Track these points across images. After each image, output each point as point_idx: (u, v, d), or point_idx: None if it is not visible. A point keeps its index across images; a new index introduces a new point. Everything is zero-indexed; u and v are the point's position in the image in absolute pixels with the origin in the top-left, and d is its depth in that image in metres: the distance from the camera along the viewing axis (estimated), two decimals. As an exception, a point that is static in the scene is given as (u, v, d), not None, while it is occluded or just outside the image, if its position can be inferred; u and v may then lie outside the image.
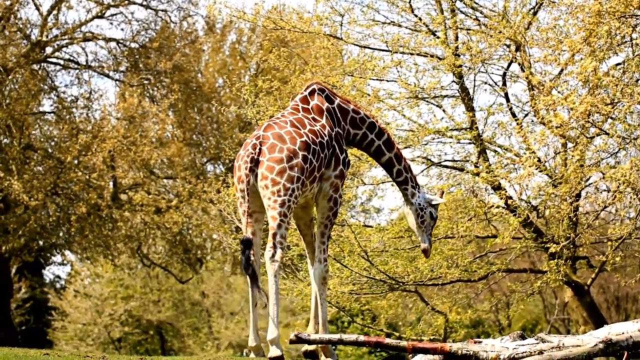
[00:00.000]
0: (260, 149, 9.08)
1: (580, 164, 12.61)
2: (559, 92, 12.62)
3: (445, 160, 14.94)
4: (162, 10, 25.86)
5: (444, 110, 14.90)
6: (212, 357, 10.61)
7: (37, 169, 24.57)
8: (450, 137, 14.67)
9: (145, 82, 26.13)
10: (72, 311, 39.49)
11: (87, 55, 25.33)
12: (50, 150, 24.84)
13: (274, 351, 8.78)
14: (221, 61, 29.09)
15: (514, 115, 14.51)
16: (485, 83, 14.69)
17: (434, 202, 10.18)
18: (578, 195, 13.51)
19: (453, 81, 14.57)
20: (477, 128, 14.46)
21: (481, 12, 14.65)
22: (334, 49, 15.42)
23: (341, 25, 15.09)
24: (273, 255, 8.93)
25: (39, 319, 40.07)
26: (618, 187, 12.02)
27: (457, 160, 14.96)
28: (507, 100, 14.62)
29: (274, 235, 8.94)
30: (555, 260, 13.90)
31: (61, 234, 25.89)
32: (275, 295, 8.88)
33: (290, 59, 16.83)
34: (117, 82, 26.42)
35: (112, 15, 25.34)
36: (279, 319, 8.98)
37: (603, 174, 12.62)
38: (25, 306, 37.99)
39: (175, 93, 24.98)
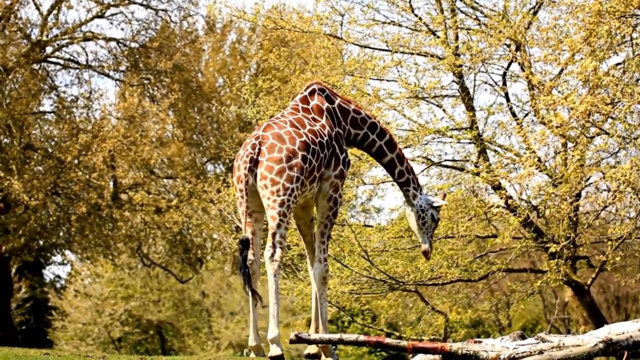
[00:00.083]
0: (259, 149, 9.09)
1: (580, 164, 12.61)
2: (559, 91, 12.62)
3: (446, 160, 14.94)
4: (162, 10, 25.87)
5: (444, 110, 14.90)
6: (212, 357, 10.61)
7: (37, 169, 24.58)
8: (451, 136, 14.66)
9: (146, 81, 26.13)
10: (72, 311, 39.50)
11: (87, 54, 25.38)
12: (50, 150, 24.85)
13: (274, 350, 8.78)
14: (221, 61, 29.09)
15: (514, 115, 14.51)
16: (486, 83, 14.69)
17: (435, 204, 10.16)
18: (578, 195, 13.51)
19: (453, 81, 14.57)
20: (477, 128, 14.46)
21: (481, 12, 14.65)
22: (334, 49, 15.42)
23: (341, 24, 15.09)
24: (272, 255, 8.94)
25: (39, 319, 40.06)
26: (618, 186, 12.02)
27: (457, 160, 14.96)
28: (507, 100, 14.62)
29: (274, 234, 8.95)
30: (556, 260, 13.90)
31: (61, 234, 25.89)
32: (275, 294, 8.88)
33: (291, 58, 16.83)
34: (117, 82, 26.43)
35: (112, 14, 25.36)
36: (279, 318, 8.98)
37: (603, 173, 12.62)
38: (25, 306, 37.99)
39: (175, 93, 24.98)
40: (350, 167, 13.09)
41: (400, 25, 14.92)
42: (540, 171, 13.69)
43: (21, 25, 24.34)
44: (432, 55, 14.40)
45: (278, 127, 9.26)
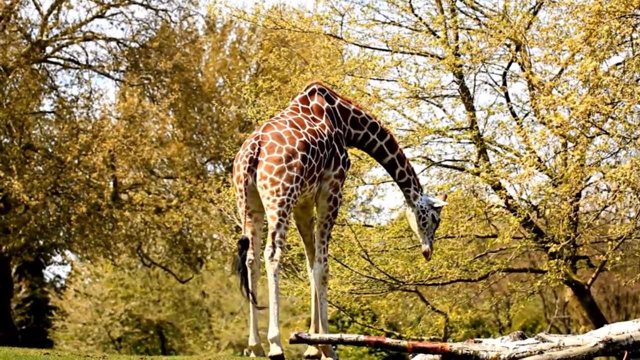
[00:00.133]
0: (259, 149, 9.09)
1: (580, 164, 12.61)
2: (559, 91, 12.62)
3: (446, 160, 14.94)
4: (163, 10, 25.88)
5: (444, 110, 14.90)
6: (212, 357, 10.61)
7: (37, 169, 24.58)
8: (451, 136, 14.66)
9: (146, 81, 26.14)
10: (73, 311, 39.50)
11: (87, 54, 25.38)
12: (50, 149, 24.85)
13: (274, 350, 8.79)
14: (221, 61, 29.10)
15: (514, 114, 14.51)
16: (486, 83, 14.69)
17: (436, 205, 10.15)
18: (578, 195, 13.51)
19: (453, 81, 14.57)
20: (477, 128, 14.46)
21: (481, 12, 14.65)
22: (334, 49, 15.42)
23: (341, 24, 15.09)
24: (272, 255, 8.95)
25: (39, 319, 40.06)
26: (618, 186, 12.02)
27: (457, 160, 14.96)
28: (508, 99, 14.62)
29: (273, 234, 8.95)
30: (556, 260, 13.90)
31: (61, 234, 25.89)
32: (275, 294, 8.89)
33: (291, 58, 16.84)
34: (117, 82, 26.44)
35: (113, 14, 25.37)
36: (279, 318, 8.98)
37: (603, 173, 12.62)
38: (25, 306, 37.99)
39: (175, 93, 24.99)
40: (351, 167, 13.09)
41: (400, 25, 14.93)
42: (541, 171, 13.69)
43: (21, 25, 24.34)
44: (432, 55, 14.40)
45: (278, 127, 9.27)
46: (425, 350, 8.24)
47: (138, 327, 41.68)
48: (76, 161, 24.12)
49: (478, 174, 14.12)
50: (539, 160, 13.38)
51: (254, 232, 9.24)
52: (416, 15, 14.73)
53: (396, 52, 14.63)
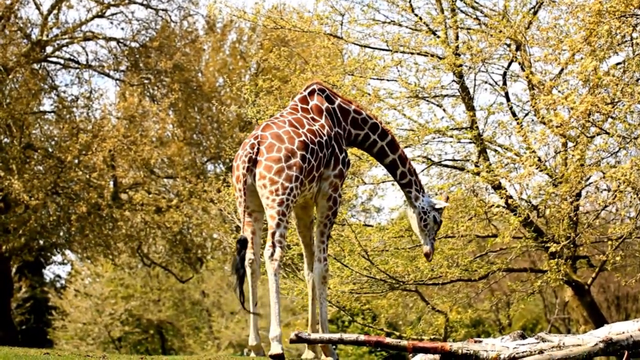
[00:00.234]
0: (258, 149, 9.10)
1: (580, 164, 12.61)
2: (559, 91, 12.62)
3: (446, 160, 14.93)
4: (163, 10, 25.89)
5: (444, 110, 14.89)
6: (212, 357, 10.61)
7: (37, 169, 24.58)
8: (451, 136, 14.66)
9: (146, 81, 26.14)
10: (73, 310, 39.50)
11: (87, 54, 25.39)
12: (50, 149, 24.85)
13: (275, 348, 8.78)
14: (221, 60, 29.09)
15: (514, 114, 14.51)
16: (486, 82, 14.69)
17: (437, 206, 10.14)
18: (578, 195, 13.50)
19: (453, 80, 14.57)
20: (477, 127, 14.46)
21: (481, 12, 14.65)
22: (335, 49, 15.42)
23: (341, 24, 15.09)
24: (272, 254, 8.95)
25: (40, 319, 40.06)
26: (618, 186, 12.02)
27: (457, 160, 14.95)
28: (508, 99, 14.62)
29: (273, 234, 8.96)
30: (556, 260, 13.90)
31: (61, 234, 25.89)
32: (276, 293, 8.89)
33: (291, 58, 16.83)
34: (118, 82, 26.44)
35: (113, 14, 25.37)
36: (280, 317, 8.98)
37: (603, 173, 12.62)
38: (25, 305, 37.99)
39: (175, 92, 24.99)
40: (351, 166, 13.08)
41: (400, 25, 14.93)
42: (541, 171, 13.68)
43: (21, 25, 24.34)
44: (432, 55, 14.39)
45: (277, 126, 9.27)
46: (426, 350, 8.24)
47: (138, 327, 41.69)
48: (76, 161, 24.12)
49: (478, 173, 14.12)
50: (539, 160, 13.38)
51: (253, 232, 9.24)
52: (416, 15, 14.73)
53: (396, 51, 14.63)
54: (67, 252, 31.77)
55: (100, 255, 26.96)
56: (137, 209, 25.69)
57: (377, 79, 14.83)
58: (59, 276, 44.90)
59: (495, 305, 26.64)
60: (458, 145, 14.81)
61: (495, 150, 14.85)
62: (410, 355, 8.60)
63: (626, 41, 11.74)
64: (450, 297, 16.56)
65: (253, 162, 9.09)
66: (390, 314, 18.05)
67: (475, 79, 14.51)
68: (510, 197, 13.90)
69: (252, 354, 9.30)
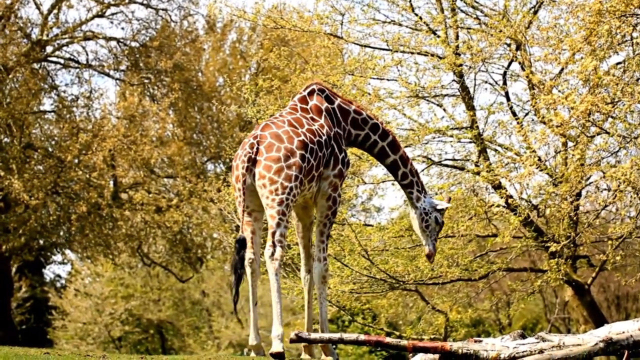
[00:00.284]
0: (257, 148, 9.09)
1: (580, 163, 12.62)
2: (559, 91, 12.62)
3: (446, 159, 14.94)
4: (163, 9, 25.88)
5: (444, 109, 14.90)
6: (212, 356, 10.61)
7: (37, 168, 24.59)
8: (451, 136, 14.66)
9: (146, 81, 26.14)
10: (73, 310, 39.50)
11: (87, 54, 25.38)
12: (50, 149, 24.85)
13: (276, 346, 8.78)
14: (222, 60, 29.09)
15: (514, 114, 14.51)
16: (486, 82, 14.69)
17: (439, 207, 10.13)
18: (578, 194, 13.51)
19: (453, 80, 14.57)
20: (477, 127, 14.46)
21: (482, 11, 14.65)
22: (335, 48, 15.42)
23: (342, 24, 15.09)
24: (273, 254, 8.95)
25: (40, 318, 40.07)
26: (618, 186, 12.02)
27: (457, 159, 14.95)
28: (508, 99, 14.62)
29: (273, 233, 8.96)
30: (556, 259, 13.90)
31: (61, 233, 25.89)
32: (277, 293, 8.90)
33: (291, 58, 16.83)
34: (118, 81, 26.44)
35: (113, 14, 25.37)
36: (282, 316, 8.97)
37: (603, 173, 12.62)
38: (25, 305, 37.99)
39: (175, 92, 24.98)
40: (351, 166, 13.09)
41: (400, 25, 14.93)
42: (541, 170, 13.68)
43: (21, 25, 24.34)
44: (432, 55, 14.40)
45: (276, 126, 9.27)
46: (426, 350, 8.23)
47: (138, 327, 41.69)
48: (76, 160, 24.12)
49: (478, 173, 14.12)
50: (539, 159, 13.38)
51: (253, 232, 9.24)
52: (416, 15, 14.73)
53: (396, 51, 14.63)
54: (67, 251, 31.80)
55: (100, 254, 26.97)
56: (137, 208, 25.69)
57: (377, 78, 14.84)
58: (59, 276, 44.94)
59: (496, 304, 26.63)
60: (458, 145, 14.82)
61: (496, 150, 14.86)
62: (410, 355, 8.60)
63: (626, 41, 11.74)
64: (451, 297, 16.55)
65: (252, 162, 9.09)
66: (390, 314, 18.05)
67: (475, 79, 14.53)
68: (511, 196, 13.90)
69: (252, 354, 9.30)
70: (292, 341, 8.57)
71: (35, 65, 24.46)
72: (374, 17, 14.91)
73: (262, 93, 15.56)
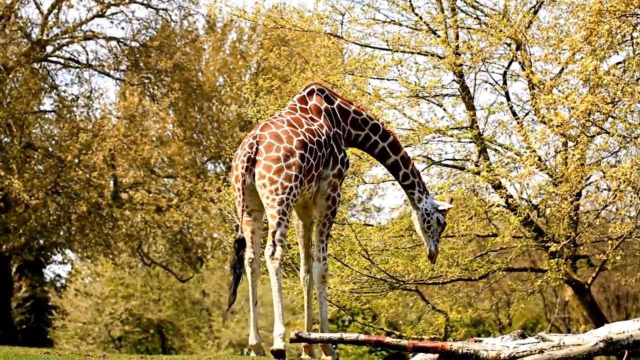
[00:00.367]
0: (257, 148, 9.09)
1: (580, 163, 12.62)
2: (559, 91, 12.62)
3: (446, 159, 14.94)
4: (163, 9, 25.89)
5: (444, 109, 14.90)
6: (212, 356, 10.61)
7: (37, 168, 24.59)
8: (451, 136, 14.66)
9: (146, 81, 26.14)
10: (73, 310, 39.50)
11: (87, 54, 25.38)
12: (50, 149, 24.85)
13: (277, 344, 8.79)
14: (222, 60, 29.09)
15: (514, 114, 14.51)
16: (486, 82, 14.69)
17: (441, 208, 10.11)
18: (579, 194, 13.51)
19: (454, 80, 14.57)
20: (477, 127, 14.46)
21: (482, 11, 14.65)
22: (335, 48, 15.42)
23: (342, 24, 15.09)
24: (273, 253, 8.95)
25: (40, 318, 40.07)
26: (618, 186, 12.03)
27: (457, 159, 14.96)
28: (508, 99, 14.62)
29: (274, 233, 8.96)
30: (556, 259, 13.90)
31: (62, 233, 25.89)
32: (278, 292, 8.90)
33: (291, 57, 16.84)
34: (118, 81, 26.44)
35: (113, 14, 25.38)
36: (283, 315, 8.97)
37: (604, 172, 12.62)
38: (25, 305, 37.99)
39: (175, 92, 24.98)
40: (351, 166, 13.08)
41: (400, 25, 14.93)
42: (541, 170, 13.68)
43: (22, 25, 24.34)
44: (432, 55, 14.40)
45: (275, 126, 9.27)
46: (426, 350, 8.23)
47: (138, 327, 41.69)
48: (76, 160, 24.12)
49: (478, 173, 14.12)
50: (540, 159, 13.38)
51: (253, 231, 9.25)
52: (416, 15, 14.73)
53: (396, 51, 14.63)
54: (67, 251, 31.77)
55: (101, 254, 26.97)
56: (137, 208, 25.69)
57: (378, 78, 14.84)
58: (59, 275, 44.93)
59: (496, 304, 26.64)
60: (458, 145, 14.82)
61: (496, 150, 14.86)
62: (411, 354, 8.60)
63: (626, 40, 11.74)
64: (451, 297, 16.55)
65: (252, 162, 9.09)
66: (390, 314, 18.04)
67: (475, 79, 14.53)
68: (511, 196, 13.90)
69: (252, 354, 9.30)
70: (292, 341, 8.57)
71: (36, 65, 24.46)
72: (374, 17, 14.92)
73: (262, 93, 15.56)
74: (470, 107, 14.49)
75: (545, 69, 13.26)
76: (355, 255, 14.69)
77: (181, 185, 26.37)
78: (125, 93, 26.50)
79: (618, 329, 8.19)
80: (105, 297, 39.89)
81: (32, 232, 24.21)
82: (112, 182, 26.28)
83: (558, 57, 11.92)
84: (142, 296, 40.76)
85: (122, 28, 25.64)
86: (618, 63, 12.22)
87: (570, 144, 13.56)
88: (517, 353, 7.85)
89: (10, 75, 23.26)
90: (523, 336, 8.24)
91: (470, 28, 14.66)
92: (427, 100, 14.71)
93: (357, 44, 15.17)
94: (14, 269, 31.36)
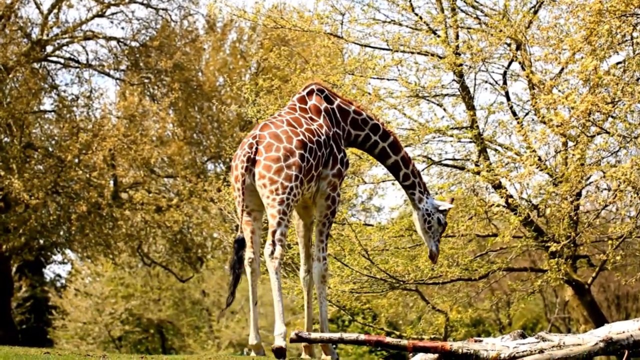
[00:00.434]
0: (257, 148, 9.10)
1: (580, 163, 12.62)
2: (559, 90, 12.62)
3: (446, 159, 14.94)
4: (163, 9, 25.89)
5: (444, 109, 14.89)
6: (212, 356, 10.60)
7: (37, 168, 24.59)
8: (451, 135, 14.66)
9: (146, 80, 26.14)
10: (73, 310, 39.49)
11: (87, 54, 25.38)
12: (50, 149, 24.85)
13: (278, 342, 8.79)
14: (222, 60, 29.09)
15: (514, 114, 14.51)
16: (486, 82, 14.69)
17: (441, 208, 10.11)
18: (579, 194, 13.50)
19: (454, 80, 14.56)
20: (477, 127, 14.46)
21: (482, 11, 14.65)
22: (335, 48, 15.41)
23: (342, 24, 15.08)
24: (272, 253, 8.96)
25: (40, 318, 40.06)
26: (618, 185, 12.02)
27: (457, 159, 14.95)
28: (508, 99, 14.62)
29: (273, 232, 8.96)
30: (556, 259, 13.90)
31: (62, 233, 25.89)
32: (278, 292, 8.91)
33: (291, 57, 16.83)
34: (118, 81, 26.44)
35: (113, 14, 25.38)
36: (284, 315, 8.97)
37: (604, 172, 12.62)
38: (25, 305, 37.99)
39: (175, 92, 24.98)
40: (351, 166, 13.07)
41: (400, 25, 14.93)
42: (541, 170, 13.68)
43: (22, 24, 24.34)
44: (432, 54, 14.39)
45: (275, 126, 9.27)
46: (426, 350, 8.23)
47: (138, 326, 41.69)
48: (76, 160, 24.13)
49: (478, 173, 14.12)
50: (540, 159, 13.38)
51: (253, 231, 9.25)
52: (416, 15, 14.73)
53: (396, 51, 14.63)
54: (67, 251, 31.77)
55: (101, 254, 26.97)
56: (137, 208, 25.69)
57: (378, 78, 14.83)
58: (59, 275, 44.93)
59: (496, 304, 26.65)
60: (458, 145, 14.82)
61: (496, 150, 14.86)
62: (411, 354, 8.59)
63: (626, 40, 11.74)
64: (451, 297, 16.55)
65: (252, 162, 9.09)
66: (390, 314, 18.04)
67: (475, 79, 14.52)
68: (511, 196, 13.90)
69: (253, 354, 9.30)
70: (292, 341, 8.58)
71: (36, 65, 24.46)
72: (374, 17, 14.92)
73: (262, 93, 15.55)
74: (470, 107, 14.49)
75: (545, 68, 13.27)
76: (355, 255, 14.68)
77: (181, 185, 26.37)
78: (125, 93, 26.50)
79: (618, 329, 8.19)
80: (105, 297, 39.89)
81: (32, 232, 24.22)
82: (112, 182, 26.28)
83: (558, 57, 11.92)
84: (142, 296, 40.76)
85: (122, 28, 25.67)
86: (618, 63, 12.22)
87: (570, 144, 13.56)
88: (517, 353, 7.85)
89: (10, 75, 23.26)
90: (523, 336, 8.24)
91: (470, 28, 14.66)
92: (427, 100, 14.70)
93: (357, 43, 15.17)
94: (14, 269, 31.36)
